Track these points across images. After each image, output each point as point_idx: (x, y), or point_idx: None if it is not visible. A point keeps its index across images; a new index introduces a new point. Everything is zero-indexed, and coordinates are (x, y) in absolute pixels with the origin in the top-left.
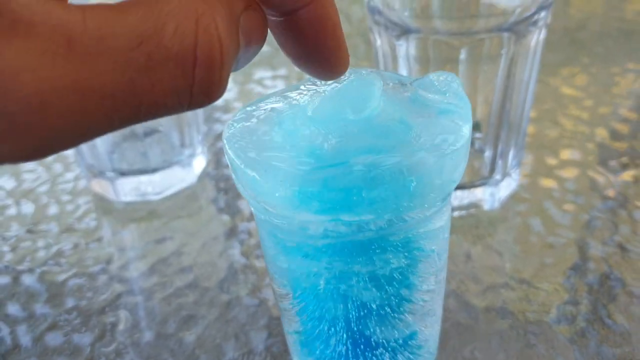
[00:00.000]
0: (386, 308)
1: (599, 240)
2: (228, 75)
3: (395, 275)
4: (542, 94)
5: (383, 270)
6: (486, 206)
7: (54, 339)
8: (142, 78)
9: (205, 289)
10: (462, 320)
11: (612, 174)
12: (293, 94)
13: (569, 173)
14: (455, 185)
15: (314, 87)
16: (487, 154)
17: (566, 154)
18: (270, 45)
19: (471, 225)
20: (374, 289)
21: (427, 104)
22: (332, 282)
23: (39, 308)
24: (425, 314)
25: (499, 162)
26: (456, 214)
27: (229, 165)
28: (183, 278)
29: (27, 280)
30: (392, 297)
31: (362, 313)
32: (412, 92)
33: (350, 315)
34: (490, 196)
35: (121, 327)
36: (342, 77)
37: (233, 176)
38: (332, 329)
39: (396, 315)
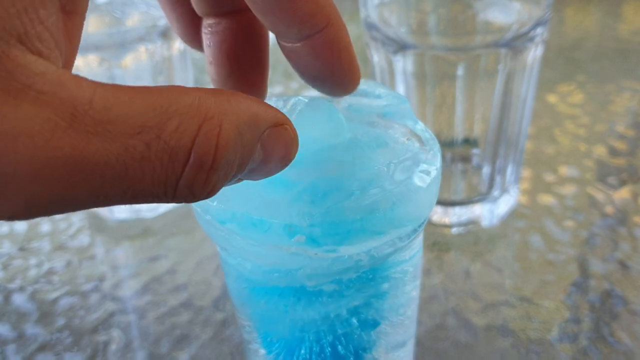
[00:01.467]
0: (339, 346)
1: (599, 257)
2: (219, 181)
3: (345, 312)
4: (539, 111)
5: (330, 309)
6: (485, 222)
7: (44, 359)
8: (135, 165)
9: (200, 308)
10: (462, 338)
11: (611, 190)
12: None
13: (568, 190)
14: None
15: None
16: (485, 170)
17: (564, 171)
18: None
19: (470, 242)
20: (321, 329)
21: (364, 111)
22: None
23: (30, 327)
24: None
25: (497, 179)
26: (454, 230)
27: None
28: (177, 296)
29: (18, 299)
30: (345, 336)
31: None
32: (351, 107)
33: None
34: (488, 212)
35: (114, 346)
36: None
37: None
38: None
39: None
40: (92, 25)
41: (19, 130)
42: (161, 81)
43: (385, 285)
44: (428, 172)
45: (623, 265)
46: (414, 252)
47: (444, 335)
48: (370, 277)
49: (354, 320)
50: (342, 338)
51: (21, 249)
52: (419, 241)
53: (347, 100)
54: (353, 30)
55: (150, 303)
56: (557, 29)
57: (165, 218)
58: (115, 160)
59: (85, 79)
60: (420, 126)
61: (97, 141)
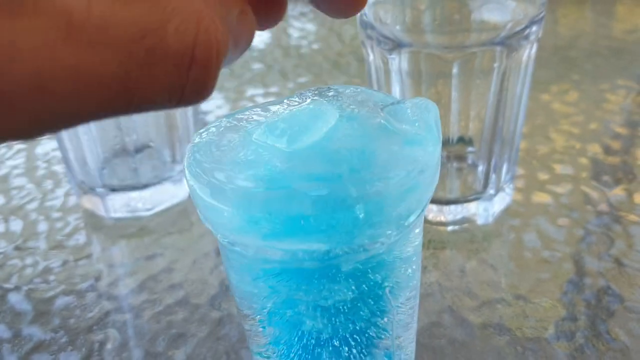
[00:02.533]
0: (335, 341)
1: (594, 255)
2: (218, 76)
3: (341, 307)
4: (534, 110)
5: (326, 302)
6: (480, 221)
7: (40, 358)
8: (139, 72)
9: (196, 306)
10: (458, 336)
11: (605, 188)
12: (244, 116)
13: (563, 188)
14: (413, 217)
15: (263, 112)
16: (481, 168)
17: (559, 169)
18: (263, 63)
19: (465, 240)
20: (320, 319)
21: (394, 133)
22: (281, 308)
23: (25, 327)
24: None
25: (493, 177)
26: (450, 228)
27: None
28: (173, 295)
29: (14, 298)
30: (341, 330)
31: (314, 342)
32: (382, 119)
33: (306, 342)
34: (484, 211)
35: (109, 346)
36: (298, 101)
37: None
38: (291, 353)
39: (347, 348)
40: None
41: (19, 44)
42: None
43: (389, 271)
44: (413, 176)
45: (618, 262)
46: (403, 256)
47: (440, 333)
48: (347, 275)
49: (331, 313)
50: (326, 331)
51: (17, 248)
52: (407, 244)
53: (383, 118)
54: (349, 30)
55: (146, 302)
56: (551, 28)
57: (162, 217)
58: (119, 68)
59: None
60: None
61: (100, 50)
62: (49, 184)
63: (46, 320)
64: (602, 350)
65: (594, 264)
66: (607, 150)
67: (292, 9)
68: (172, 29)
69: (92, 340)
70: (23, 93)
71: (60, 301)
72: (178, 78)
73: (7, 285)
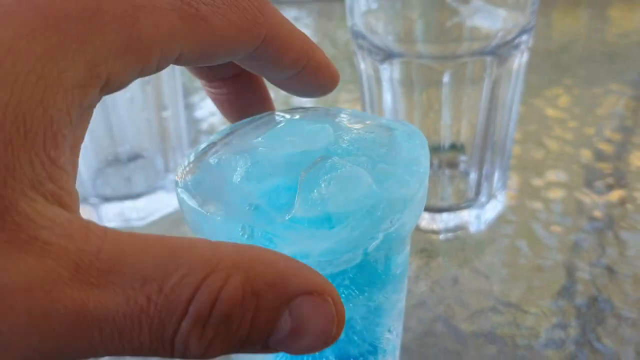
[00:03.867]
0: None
1: (586, 262)
2: (217, 338)
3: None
4: (527, 116)
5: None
6: (472, 228)
7: None
8: (134, 318)
9: None
10: (450, 345)
11: (597, 195)
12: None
13: (555, 194)
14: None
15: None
16: (472, 176)
17: (552, 176)
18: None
19: (457, 248)
20: None
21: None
22: None
23: None
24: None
25: (485, 184)
26: (442, 236)
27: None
28: None
29: None
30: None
31: None
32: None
33: None
34: (476, 218)
35: None
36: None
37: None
38: None
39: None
40: None
41: (18, 284)
42: (149, 91)
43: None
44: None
45: (610, 270)
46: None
47: (432, 342)
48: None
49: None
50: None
51: None
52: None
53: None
54: (341, 37)
55: None
56: (544, 33)
57: (156, 226)
58: (116, 313)
59: (95, 226)
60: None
61: (100, 293)
62: None
63: None
64: (591, 358)
65: (586, 271)
66: (600, 157)
67: (286, 13)
68: (176, 279)
69: None
70: (16, 333)
71: None
72: (170, 329)
73: None
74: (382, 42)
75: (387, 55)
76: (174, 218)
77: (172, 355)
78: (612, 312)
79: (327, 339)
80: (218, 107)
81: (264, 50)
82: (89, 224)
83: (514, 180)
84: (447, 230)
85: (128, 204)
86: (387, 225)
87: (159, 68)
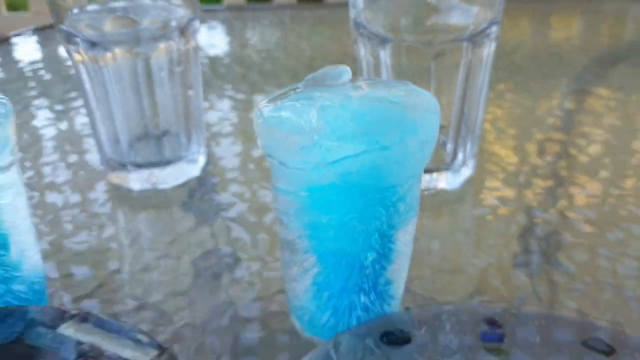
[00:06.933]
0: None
1: (542, 209)
2: None
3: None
4: (488, 101)
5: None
6: (449, 187)
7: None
8: None
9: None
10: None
11: (549, 159)
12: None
13: (513, 160)
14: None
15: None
16: (449, 146)
17: (510, 147)
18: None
19: (436, 202)
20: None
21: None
22: (321, 223)
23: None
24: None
25: (459, 154)
26: (427, 193)
27: (259, 129)
28: (190, 254)
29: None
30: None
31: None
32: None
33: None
34: (452, 179)
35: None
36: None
37: (260, 133)
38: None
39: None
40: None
41: None
42: (178, 71)
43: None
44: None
45: (562, 214)
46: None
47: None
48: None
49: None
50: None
51: (50, 220)
52: None
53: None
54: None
55: (162, 257)
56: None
57: (178, 190)
58: None
59: None
60: None
61: None
62: (74, 157)
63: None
64: (554, 274)
65: (542, 215)
66: (548, 132)
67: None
68: None
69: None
70: None
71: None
72: None
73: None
74: (377, 30)
75: (382, 41)
76: (192, 184)
77: None
78: (567, 243)
79: None
80: None
81: None
82: None
83: (481, 150)
84: (429, 188)
85: (156, 170)
86: None
87: None
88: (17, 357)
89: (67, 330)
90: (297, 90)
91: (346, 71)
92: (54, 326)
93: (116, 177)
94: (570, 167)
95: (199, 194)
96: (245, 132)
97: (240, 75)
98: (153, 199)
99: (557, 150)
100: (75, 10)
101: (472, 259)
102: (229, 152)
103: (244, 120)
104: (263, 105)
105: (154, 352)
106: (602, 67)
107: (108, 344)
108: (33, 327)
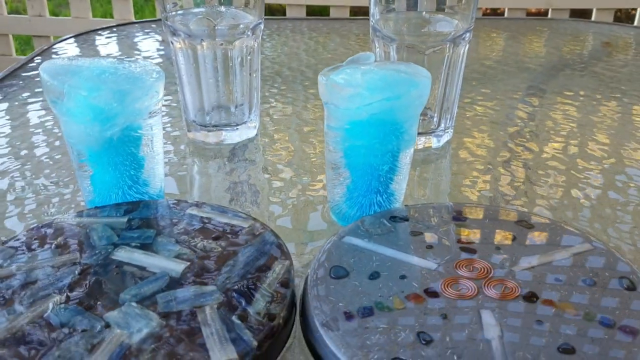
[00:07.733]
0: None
1: (509, 162)
2: None
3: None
4: (466, 94)
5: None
6: (434, 145)
7: None
8: None
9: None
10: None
11: (511, 131)
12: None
13: (484, 128)
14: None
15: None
16: (435, 119)
17: (480, 122)
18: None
19: (425, 155)
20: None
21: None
22: (356, 145)
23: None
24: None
25: (442, 123)
26: (419, 148)
27: (323, 86)
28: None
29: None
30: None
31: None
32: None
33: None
34: (436, 140)
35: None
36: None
37: (324, 88)
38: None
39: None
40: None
41: None
42: (247, 60)
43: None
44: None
45: (525, 165)
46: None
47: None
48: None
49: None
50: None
51: None
52: None
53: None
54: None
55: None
56: (473, 48)
57: (242, 145)
58: None
59: None
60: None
61: None
62: (164, 119)
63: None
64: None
65: (506, 167)
66: (515, 117)
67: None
68: None
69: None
70: None
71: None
72: None
73: None
74: (388, 34)
75: (391, 41)
76: (254, 142)
77: None
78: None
79: None
80: None
81: None
82: None
83: (457, 122)
84: (418, 147)
85: (225, 132)
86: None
87: None
88: (160, 224)
89: (192, 210)
90: (342, 66)
91: (372, 55)
92: (182, 208)
93: (198, 135)
94: (526, 137)
95: (252, 148)
96: (282, 110)
97: (275, 71)
98: (223, 151)
99: (517, 128)
100: (172, 13)
101: (448, 189)
102: (274, 122)
103: (281, 103)
104: (325, 72)
105: (250, 222)
106: (553, 71)
107: (217, 217)
108: (169, 208)
